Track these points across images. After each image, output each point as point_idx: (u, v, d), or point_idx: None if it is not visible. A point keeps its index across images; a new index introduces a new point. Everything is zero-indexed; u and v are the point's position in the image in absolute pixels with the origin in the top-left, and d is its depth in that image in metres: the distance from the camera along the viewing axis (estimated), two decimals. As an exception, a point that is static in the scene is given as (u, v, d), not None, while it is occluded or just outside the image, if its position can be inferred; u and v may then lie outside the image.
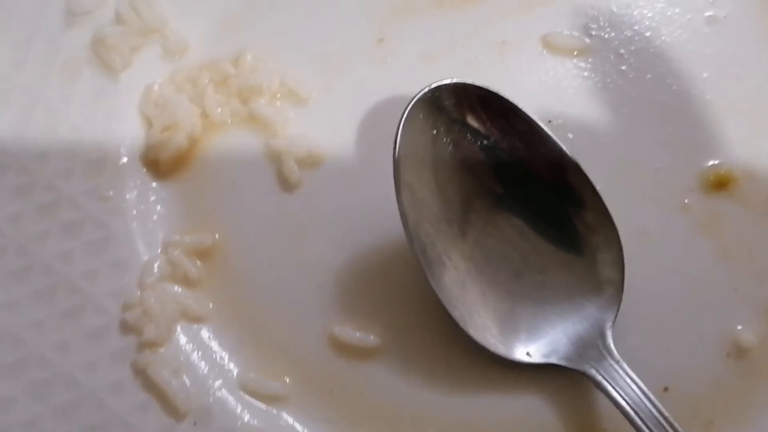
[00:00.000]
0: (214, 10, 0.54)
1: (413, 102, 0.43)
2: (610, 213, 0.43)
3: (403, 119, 0.43)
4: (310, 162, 0.50)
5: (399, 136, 0.43)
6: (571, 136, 0.49)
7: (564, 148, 0.44)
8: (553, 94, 0.51)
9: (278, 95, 0.52)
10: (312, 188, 0.49)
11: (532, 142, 0.44)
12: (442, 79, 0.44)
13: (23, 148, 0.48)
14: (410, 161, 0.44)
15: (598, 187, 0.44)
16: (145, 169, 0.50)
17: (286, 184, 0.49)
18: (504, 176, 0.45)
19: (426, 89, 0.44)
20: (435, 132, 0.45)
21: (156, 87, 0.51)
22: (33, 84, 0.50)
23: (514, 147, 0.45)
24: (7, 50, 0.50)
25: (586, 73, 0.52)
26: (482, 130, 0.45)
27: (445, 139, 0.45)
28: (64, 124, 0.49)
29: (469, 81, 0.44)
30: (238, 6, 0.55)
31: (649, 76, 0.52)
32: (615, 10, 0.54)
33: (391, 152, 0.43)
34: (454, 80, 0.44)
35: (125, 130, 0.50)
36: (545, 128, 0.44)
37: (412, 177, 0.44)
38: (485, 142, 0.45)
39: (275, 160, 0.50)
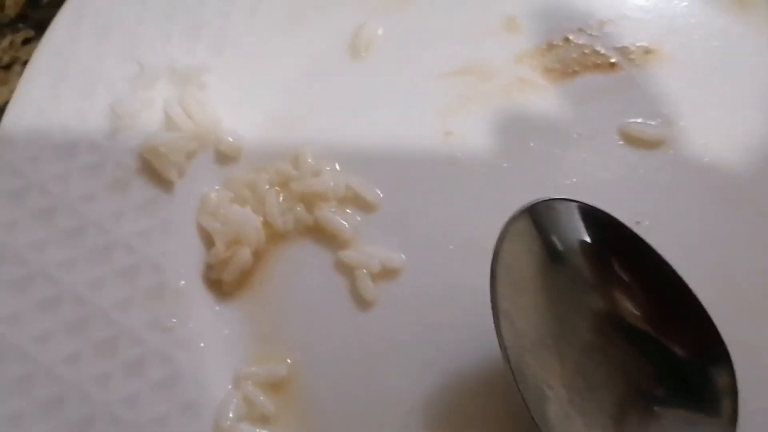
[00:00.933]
0: (267, 106, 0.51)
1: (506, 227, 0.40)
2: (720, 334, 0.41)
3: (498, 247, 0.40)
4: (386, 275, 0.46)
5: (494, 265, 0.40)
6: (661, 238, 0.46)
7: (666, 262, 0.41)
8: (638, 190, 0.48)
9: (344, 200, 0.48)
10: (389, 305, 0.46)
11: (635, 259, 0.42)
12: (538, 199, 0.41)
13: (76, 277, 0.44)
14: (506, 288, 0.40)
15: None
16: (207, 290, 0.46)
17: (360, 301, 0.46)
18: (604, 295, 0.42)
19: (519, 211, 0.40)
20: (529, 254, 0.41)
21: (213, 195, 0.48)
22: (80, 200, 0.46)
23: (614, 264, 0.42)
24: (51, 162, 0.46)
25: (669, 166, 0.49)
26: (580, 247, 0.42)
27: (540, 261, 0.42)
28: (117, 244, 0.45)
29: (563, 197, 0.41)
30: (291, 102, 0.51)
31: (736, 169, 0.49)
32: (689, 95, 0.51)
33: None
34: (546, 198, 0.41)
35: (183, 247, 0.46)
36: (649, 245, 0.41)
37: (508, 304, 0.40)
38: (583, 260, 0.42)
39: (347, 273, 0.46)
